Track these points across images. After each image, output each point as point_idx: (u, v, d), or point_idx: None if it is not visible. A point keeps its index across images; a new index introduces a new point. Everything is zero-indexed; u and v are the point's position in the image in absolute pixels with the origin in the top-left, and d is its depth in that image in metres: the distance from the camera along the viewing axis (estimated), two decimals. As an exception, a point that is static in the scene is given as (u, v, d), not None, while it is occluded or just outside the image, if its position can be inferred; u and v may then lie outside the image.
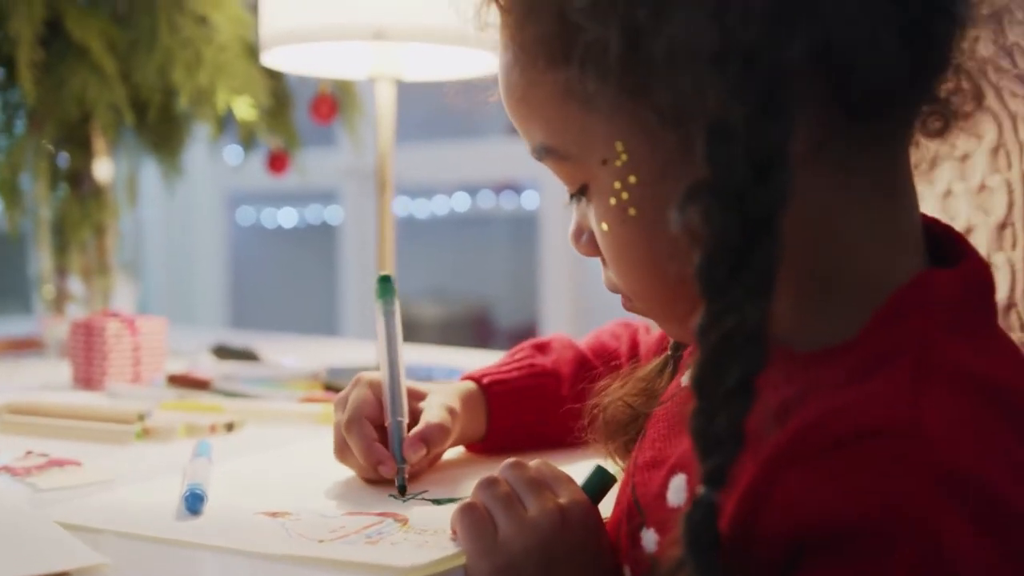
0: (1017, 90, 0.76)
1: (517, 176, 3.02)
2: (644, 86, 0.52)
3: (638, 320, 0.95)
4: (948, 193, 0.84)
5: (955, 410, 0.48)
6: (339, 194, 3.28)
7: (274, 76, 1.51)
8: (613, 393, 0.73)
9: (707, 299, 0.47)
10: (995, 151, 0.80)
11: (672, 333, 0.67)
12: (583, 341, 0.95)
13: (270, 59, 1.26)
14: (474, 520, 0.62)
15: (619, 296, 0.65)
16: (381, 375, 0.82)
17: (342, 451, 0.80)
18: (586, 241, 0.63)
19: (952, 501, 0.46)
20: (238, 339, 1.65)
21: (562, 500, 0.62)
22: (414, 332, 2.71)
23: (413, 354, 1.22)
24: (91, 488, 0.78)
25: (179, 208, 3.30)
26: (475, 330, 3.26)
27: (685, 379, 0.68)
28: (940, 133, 0.57)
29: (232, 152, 3.35)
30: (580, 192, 0.60)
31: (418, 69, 1.30)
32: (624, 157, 0.56)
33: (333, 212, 3.51)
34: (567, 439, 0.85)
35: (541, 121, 0.59)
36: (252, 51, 1.41)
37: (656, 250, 0.57)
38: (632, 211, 0.56)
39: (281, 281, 3.76)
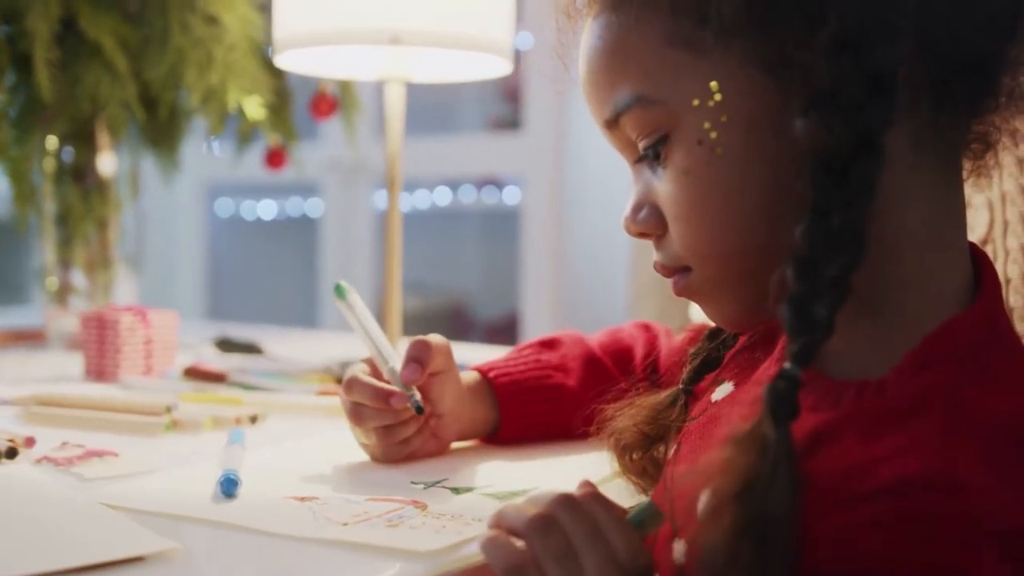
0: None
1: (499, 172, 3.05)
2: (762, 18, 0.57)
3: (659, 325, 0.99)
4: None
5: (987, 462, 0.51)
6: (319, 187, 3.30)
7: (276, 74, 1.53)
8: (625, 420, 0.76)
9: (817, 199, 0.52)
10: (977, 172, 0.85)
11: (732, 306, 0.65)
12: (595, 338, 0.99)
13: (283, 61, 1.29)
14: None
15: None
16: (367, 348, 0.89)
17: (354, 415, 0.85)
18: (645, 216, 0.65)
19: (990, 554, 0.48)
20: (222, 330, 1.68)
21: (620, 556, 0.56)
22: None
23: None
24: (134, 478, 0.82)
25: (158, 199, 3.31)
26: (454, 323, 3.30)
27: (716, 395, 0.71)
28: (979, 155, 0.62)
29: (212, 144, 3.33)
30: (655, 147, 0.62)
31: (426, 71, 1.33)
32: (718, 97, 0.59)
33: (313, 205, 3.53)
34: (578, 429, 0.89)
35: (635, 68, 0.62)
36: (257, 50, 1.44)
37: (738, 193, 0.60)
38: (719, 150, 0.59)
39: (260, 273, 3.77)
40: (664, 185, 0.63)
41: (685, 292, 0.66)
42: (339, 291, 0.94)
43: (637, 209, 0.65)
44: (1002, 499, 0.50)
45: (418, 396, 0.85)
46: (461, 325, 3.31)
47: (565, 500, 0.58)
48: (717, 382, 0.73)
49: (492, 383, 0.92)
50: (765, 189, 0.58)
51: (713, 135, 0.59)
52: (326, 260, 3.29)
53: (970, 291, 0.60)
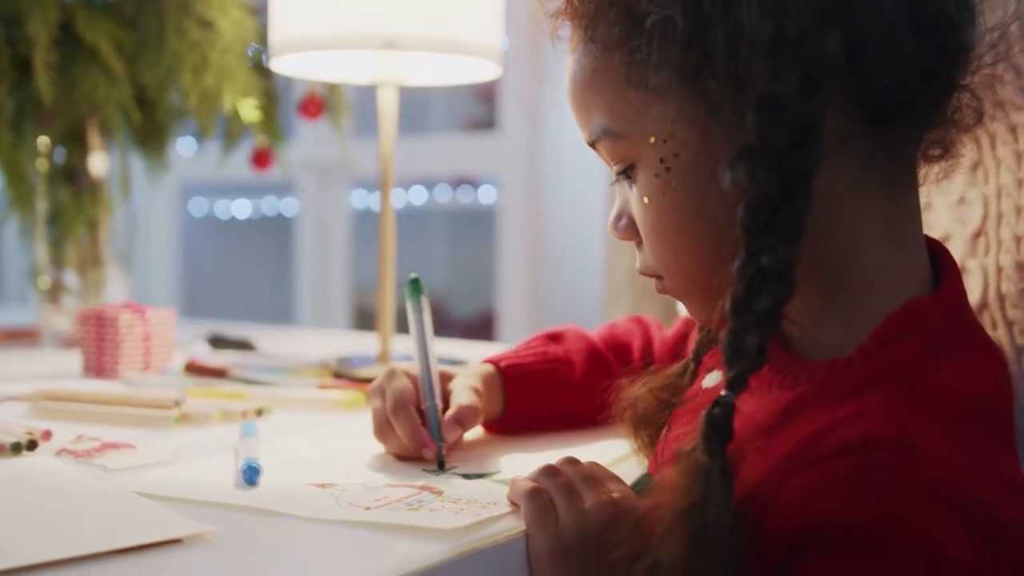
0: (996, 113, 0.86)
1: (474, 171, 3.09)
2: (699, 70, 0.62)
3: (650, 318, 1.04)
4: (928, 206, 0.94)
5: (943, 428, 0.56)
6: (295, 186, 3.32)
7: (265, 76, 1.57)
8: (641, 388, 0.81)
9: (747, 241, 0.57)
10: (975, 168, 0.89)
11: (698, 312, 0.73)
12: (596, 333, 1.03)
13: (279, 64, 1.32)
14: (539, 505, 0.69)
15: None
16: (417, 365, 0.90)
17: (383, 432, 0.88)
18: (624, 225, 0.72)
19: (944, 509, 0.53)
20: (204, 328, 1.70)
21: (615, 495, 0.69)
22: (370, 321, 2.78)
23: (371, 342, 1.29)
24: (155, 468, 0.85)
25: (134, 199, 3.31)
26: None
27: (707, 382, 0.77)
28: (939, 159, 0.67)
29: (185, 143, 3.35)
30: (626, 171, 0.69)
31: (417, 75, 1.37)
32: (671, 136, 0.65)
33: (288, 204, 3.55)
34: (579, 419, 0.94)
35: (603, 104, 0.68)
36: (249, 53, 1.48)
37: (691, 220, 0.66)
38: (673, 183, 0.66)
39: (235, 272, 3.78)
40: (634, 204, 0.70)
41: (663, 292, 0.73)
42: (414, 288, 0.91)
43: (618, 218, 0.73)
44: (960, 469, 0.55)
45: (444, 454, 0.86)
46: (438, 323, 3.33)
47: (568, 458, 0.75)
48: (708, 369, 0.78)
49: (503, 373, 0.96)
50: (718, 217, 0.64)
51: (668, 170, 0.66)
52: (301, 259, 3.31)
53: (929, 283, 0.66)
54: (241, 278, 3.76)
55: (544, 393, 0.97)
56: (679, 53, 0.62)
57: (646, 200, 0.68)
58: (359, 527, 0.69)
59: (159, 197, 3.52)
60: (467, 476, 0.83)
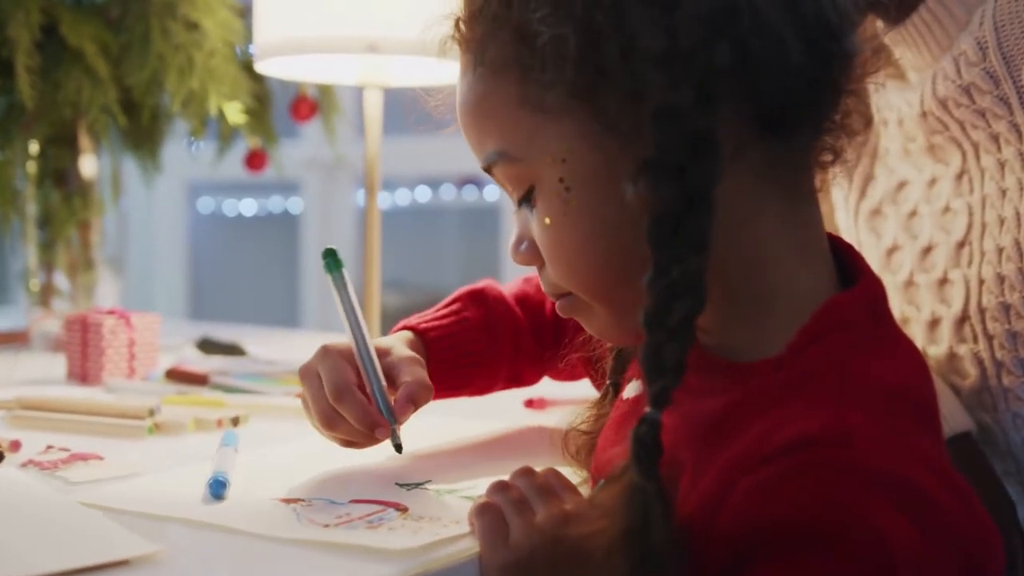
0: (977, 123, 0.83)
1: (479, 171, 3.08)
2: (593, 85, 0.61)
3: None
4: (914, 213, 0.92)
5: (876, 420, 0.57)
6: (301, 185, 3.32)
7: (256, 78, 1.55)
8: (573, 429, 0.81)
9: (655, 255, 0.56)
10: (959, 177, 0.87)
11: (609, 329, 0.72)
12: (510, 290, 1.02)
13: (264, 67, 1.31)
14: (490, 521, 0.68)
15: None
16: (351, 343, 0.86)
17: (329, 420, 0.84)
18: (525, 249, 0.71)
19: (885, 499, 0.53)
20: (203, 331, 1.69)
21: (568, 507, 0.68)
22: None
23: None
24: (120, 481, 0.83)
25: (140, 198, 3.31)
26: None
27: (627, 392, 0.76)
28: (831, 164, 0.67)
29: (191, 144, 3.34)
30: (526, 196, 0.68)
31: (403, 77, 1.36)
32: (568, 154, 0.64)
33: (294, 203, 3.55)
34: (494, 384, 0.98)
35: (496, 128, 0.68)
36: (237, 54, 1.47)
37: (594, 237, 0.65)
38: (574, 202, 0.65)
39: (241, 270, 3.78)
40: (535, 227, 0.69)
41: (567, 313, 0.72)
42: (332, 262, 0.86)
43: (518, 243, 0.72)
44: (896, 457, 0.56)
45: (400, 435, 0.84)
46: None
47: (523, 469, 0.72)
48: (627, 380, 0.78)
49: (423, 337, 0.94)
50: (620, 231, 0.64)
51: (566, 188, 0.65)
52: (307, 257, 3.30)
53: (835, 282, 0.66)
54: (248, 276, 3.76)
55: (459, 354, 0.95)
56: (573, 70, 0.62)
57: (547, 221, 0.67)
58: (315, 547, 0.68)
59: (167, 195, 3.52)
60: (438, 492, 0.81)
